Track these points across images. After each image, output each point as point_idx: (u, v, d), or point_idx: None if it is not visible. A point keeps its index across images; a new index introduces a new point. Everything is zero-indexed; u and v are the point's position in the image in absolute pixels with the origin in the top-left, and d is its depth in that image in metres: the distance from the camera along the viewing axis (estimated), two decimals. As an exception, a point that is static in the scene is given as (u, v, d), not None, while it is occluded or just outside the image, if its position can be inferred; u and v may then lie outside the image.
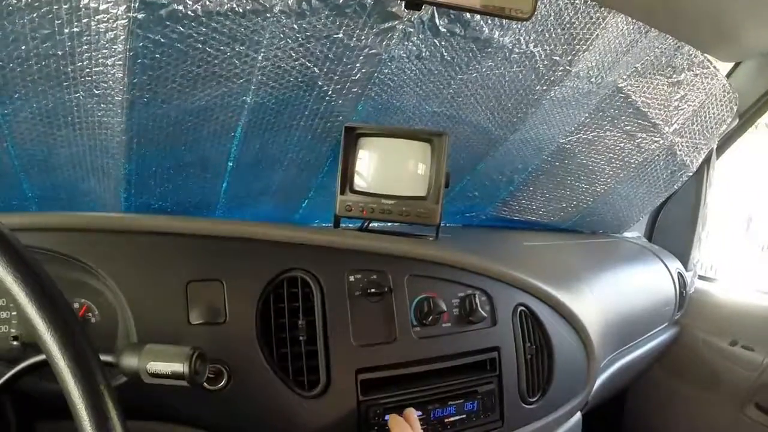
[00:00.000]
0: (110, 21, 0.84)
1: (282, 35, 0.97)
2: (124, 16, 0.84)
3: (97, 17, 0.84)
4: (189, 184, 1.22)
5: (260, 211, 1.39)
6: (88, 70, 0.92)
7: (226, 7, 0.89)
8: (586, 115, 1.48)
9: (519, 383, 1.18)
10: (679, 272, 1.96)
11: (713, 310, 2.01)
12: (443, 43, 1.11)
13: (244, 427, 0.92)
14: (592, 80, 1.35)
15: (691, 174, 1.87)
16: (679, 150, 1.72)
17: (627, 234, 2.16)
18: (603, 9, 1.20)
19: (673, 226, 2.16)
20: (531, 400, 1.20)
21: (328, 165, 1.30)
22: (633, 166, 1.71)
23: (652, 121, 1.57)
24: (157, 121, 1.03)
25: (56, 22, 0.84)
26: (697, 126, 1.69)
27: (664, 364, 2.04)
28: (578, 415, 1.39)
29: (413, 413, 0.97)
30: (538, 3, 0.94)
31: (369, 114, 1.22)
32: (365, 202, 1.20)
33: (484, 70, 1.22)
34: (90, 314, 0.86)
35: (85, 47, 0.88)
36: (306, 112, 1.15)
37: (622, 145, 1.62)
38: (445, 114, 1.30)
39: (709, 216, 2.04)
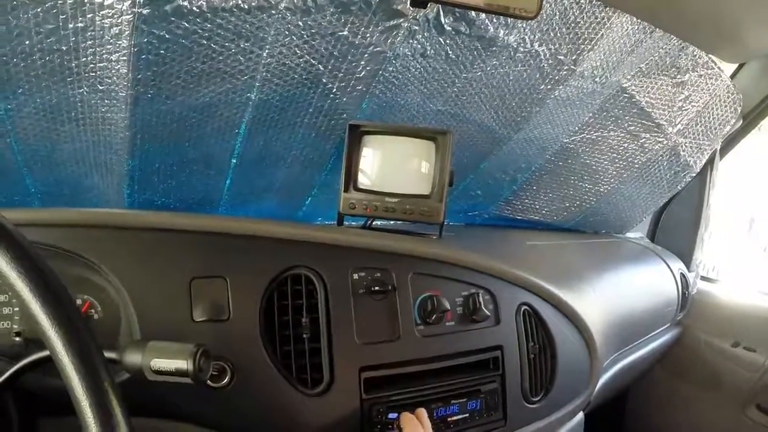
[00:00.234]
0: (115, 16, 0.84)
1: (287, 32, 0.97)
2: (129, 12, 0.83)
3: (101, 12, 0.84)
4: (192, 180, 1.22)
5: (263, 209, 1.39)
6: (92, 65, 0.91)
7: (231, 3, 0.88)
8: (590, 114, 1.48)
9: (522, 382, 1.18)
10: (681, 273, 1.95)
11: (715, 311, 2.01)
12: (448, 41, 1.11)
13: (247, 425, 0.92)
14: (596, 80, 1.35)
15: (694, 175, 1.87)
16: (683, 150, 1.72)
17: (630, 234, 2.16)
18: (608, 9, 1.19)
19: (676, 227, 2.16)
20: (534, 399, 1.20)
21: (332, 162, 1.30)
22: (636, 166, 1.70)
23: (656, 121, 1.57)
24: (161, 118, 1.03)
25: (61, 17, 0.84)
26: (700, 127, 1.68)
27: (665, 364, 2.04)
28: (581, 415, 1.38)
29: (425, 413, 0.97)
30: (544, 2, 0.93)
31: (373, 112, 1.22)
32: (369, 200, 1.20)
33: (488, 68, 1.21)
34: (93, 311, 0.87)
35: (90, 42, 0.88)
36: (310, 110, 1.15)
37: (625, 145, 1.62)
38: (449, 112, 1.30)
39: (711, 217, 2.04)
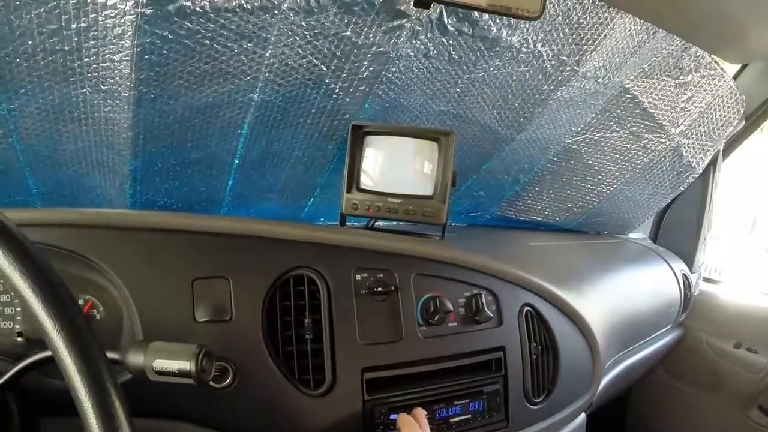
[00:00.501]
0: (118, 16, 0.84)
1: (290, 32, 0.97)
2: (132, 12, 0.83)
3: (104, 12, 0.83)
4: (195, 181, 1.21)
5: (266, 209, 1.39)
6: (95, 65, 0.91)
7: (234, 3, 0.88)
8: (593, 115, 1.48)
9: (524, 383, 1.18)
10: (683, 274, 1.95)
11: (717, 312, 2.01)
12: (451, 41, 1.11)
13: (250, 426, 0.92)
14: (599, 80, 1.34)
15: (697, 176, 1.86)
16: (686, 151, 1.71)
17: (632, 235, 2.16)
18: (611, 9, 1.19)
19: (678, 228, 2.15)
20: (536, 400, 1.20)
21: (335, 163, 1.30)
22: (639, 167, 1.70)
23: (659, 122, 1.56)
24: (163, 118, 1.03)
25: (63, 17, 0.84)
26: (703, 128, 1.68)
27: (667, 365, 2.04)
28: (582, 416, 1.38)
29: (422, 413, 0.97)
30: (547, 3, 0.93)
31: (376, 112, 1.22)
32: (371, 201, 1.19)
33: (491, 69, 1.21)
34: (95, 311, 0.87)
35: (92, 43, 0.88)
36: (313, 110, 1.14)
37: (628, 146, 1.61)
38: (451, 113, 1.30)
39: (714, 218, 2.03)
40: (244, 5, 0.89)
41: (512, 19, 1.10)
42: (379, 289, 1.03)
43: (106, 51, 0.89)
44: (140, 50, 0.88)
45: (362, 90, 1.13)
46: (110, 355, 0.67)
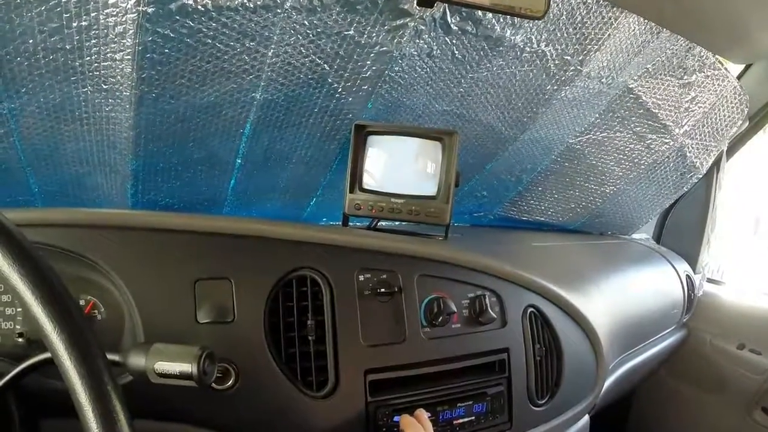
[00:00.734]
0: (119, 15, 0.83)
1: (292, 31, 0.96)
2: (134, 10, 0.82)
3: (106, 11, 0.83)
4: (197, 180, 1.21)
5: (268, 209, 1.38)
6: (96, 64, 0.91)
7: (236, 2, 0.88)
8: (597, 115, 1.47)
9: (528, 385, 1.17)
10: (687, 275, 1.94)
11: (721, 313, 2.00)
12: (454, 41, 1.10)
13: (252, 428, 0.91)
14: (602, 80, 1.34)
15: (700, 176, 1.86)
16: (689, 152, 1.71)
17: (635, 236, 2.15)
18: (615, 9, 1.18)
19: (682, 229, 2.15)
20: (540, 402, 1.19)
21: (337, 163, 1.29)
22: (643, 167, 1.69)
23: (663, 122, 1.56)
24: (165, 117, 1.02)
25: (64, 15, 0.83)
26: (707, 128, 1.68)
27: (670, 366, 2.03)
28: (586, 418, 1.37)
29: (424, 413, 0.97)
30: (551, 2, 0.92)
31: (379, 112, 1.21)
32: (374, 201, 1.19)
33: (494, 68, 1.21)
34: (96, 311, 0.86)
35: (94, 41, 0.87)
36: (315, 110, 1.14)
37: (632, 146, 1.61)
38: (455, 113, 1.29)
39: (718, 219, 2.02)
40: (247, 4, 0.89)
41: (516, 18, 1.10)
42: (383, 290, 1.02)
43: (108, 50, 0.88)
44: (142, 49, 0.88)
45: (365, 89, 1.13)
46: (111, 357, 0.67)
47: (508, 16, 1.09)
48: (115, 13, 0.83)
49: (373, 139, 1.19)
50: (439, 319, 1.05)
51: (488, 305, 1.10)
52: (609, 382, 1.46)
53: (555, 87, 1.31)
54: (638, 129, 1.56)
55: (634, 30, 1.25)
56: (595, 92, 1.38)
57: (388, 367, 1.02)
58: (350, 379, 0.97)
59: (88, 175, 1.16)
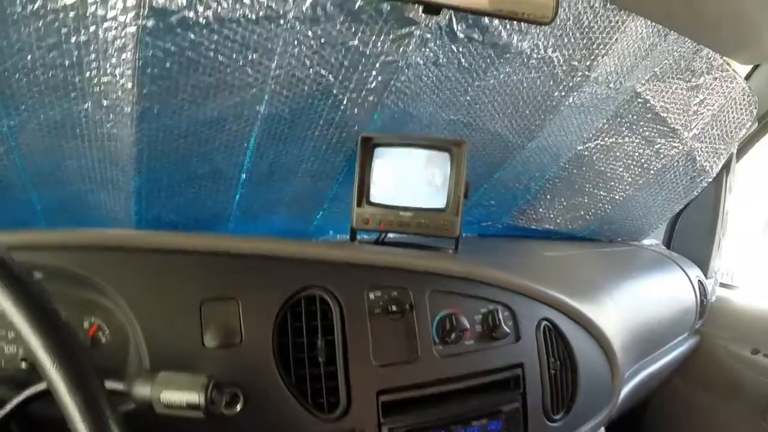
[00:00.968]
0: (118, 29, 0.82)
1: (296, 42, 0.95)
2: (133, 24, 0.81)
3: (104, 25, 0.82)
4: (201, 196, 1.20)
5: (274, 223, 1.37)
6: (96, 80, 0.89)
7: (238, 13, 0.86)
8: (604, 121, 1.46)
9: (543, 400, 1.14)
10: (699, 280, 1.91)
11: (734, 318, 1.97)
12: (461, 49, 1.09)
13: (261, 453, 0.89)
14: (610, 85, 1.32)
15: (710, 180, 1.83)
16: (699, 155, 1.69)
17: (645, 241, 2.12)
18: (622, 12, 1.17)
19: (692, 233, 2.12)
20: (555, 417, 1.16)
21: (344, 176, 1.28)
22: (652, 172, 1.67)
23: (672, 126, 1.54)
24: (167, 133, 1.01)
25: (63, 30, 0.82)
26: (716, 130, 1.65)
27: (684, 373, 1.99)
28: (602, 431, 1.35)
29: None
30: (559, 7, 0.91)
31: (385, 123, 1.19)
32: (383, 215, 1.17)
33: (501, 76, 1.19)
34: (101, 333, 0.84)
35: (93, 56, 0.86)
36: (320, 122, 1.12)
37: (640, 151, 1.59)
38: (461, 122, 1.28)
39: (729, 222, 2.00)
40: (249, 15, 0.87)
41: (523, 24, 1.08)
42: (394, 308, 1.00)
43: (107, 65, 0.87)
44: (142, 64, 0.86)
45: (371, 101, 1.11)
46: (114, 385, 0.65)
47: (515, 23, 1.07)
48: (113, 27, 0.82)
49: (380, 152, 1.17)
50: (452, 336, 1.03)
51: (501, 320, 1.08)
52: (624, 392, 1.43)
53: (563, 93, 1.29)
54: (647, 134, 1.54)
55: (641, 33, 1.24)
56: (603, 97, 1.36)
57: (401, 387, 0.99)
58: (362, 401, 0.95)
59: (91, 192, 1.14)
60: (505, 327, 1.08)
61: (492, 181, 1.52)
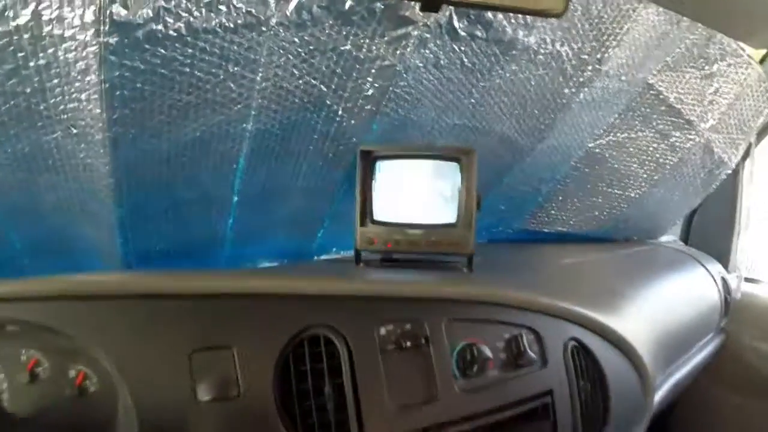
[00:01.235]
0: (78, 49, 0.75)
1: (282, 51, 0.88)
2: (94, 42, 0.74)
3: (63, 46, 0.75)
4: (191, 223, 1.13)
5: (273, 244, 1.31)
6: (62, 106, 0.83)
7: (213, 23, 0.79)
8: (616, 115, 1.40)
9: (575, 427, 1.06)
10: (722, 276, 1.85)
11: (759, 313, 1.90)
12: (463, 47, 1.02)
13: None
14: (622, 78, 1.27)
15: (729, 171, 1.78)
16: (716, 147, 1.63)
17: (662, 239, 2.07)
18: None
19: (710, 227, 2.07)
20: (588, 442, 1.08)
21: (344, 192, 1.22)
22: (668, 167, 1.62)
23: (686, 117, 1.48)
24: (147, 160, 0.94)
25: (19, 54, 0.75)
26: (733, 120, 1.60)
27: (710, 374, 1.92)
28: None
29: None
30: (570, -2, 0.85)
31: (385, 132, 1.13)
32: (388, 234, 1.11)
33: (507, 75, 1.13)
34: (88, 382, 0.77)
35: (56, 81, 0.79)
36: (315, 136, 1.06)
37: (655, 145, 1.54)
38: (467, 126, 1.22)
39: (751, 213, 1.94)
40: (226, 24, 0.80)
41: (528, 18, 1.03)
42: (408, 343, 0.91)
43: (72, 89, 0.80)
44: (109, 86, 0.79)
45: (368, 109, 1.05)
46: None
47: (520, 16, 1.02)
48: (73, 47, 0.75)
49: (381, 165, 1.12)
50: (474, 369, 0.94)
51: (526, 345, 0.99)
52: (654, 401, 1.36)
53: (573, 90, 1.23)
54: (661, 127, 1.49)
55: (653, 21, 1.18)
56: (615, 91, 1.30)
57: (421, 430, 0.90)
58: (378, 448, 0.86)
59: (73, 225, 1.07)
60: (530, 353, 0.99)
61: (501, 186, 1.46)
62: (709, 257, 1.94)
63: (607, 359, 1.13)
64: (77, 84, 0.79)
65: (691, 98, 1.44)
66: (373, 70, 0.98)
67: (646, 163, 1.58)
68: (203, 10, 0.78)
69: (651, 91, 1.37)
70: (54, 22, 0.72)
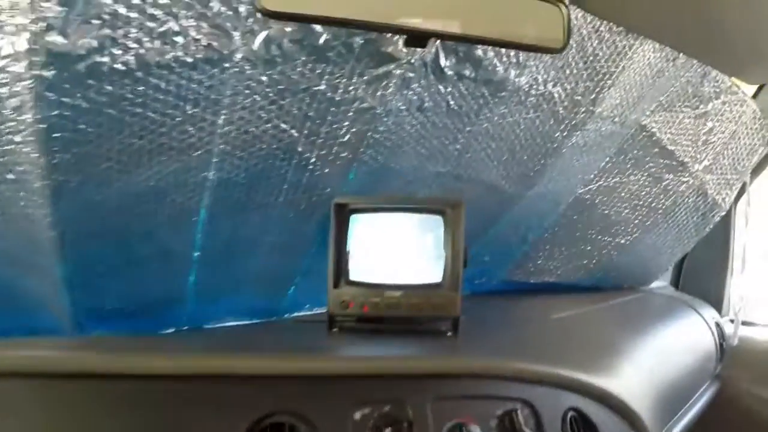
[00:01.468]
0: (11, 83, 0.67)
1: (247, 91, 0.81)
2: (28, 75, 0.66)
3: (-6, 78, 0.67)
4: (148, 280, 1.04)
5: (239, 302, 1.22)
6: (-4, 148, 0.74)
7: (168, 56, 0.72)
8: (607, 159, 1.36)
9: (577, 507, 0.97)
10: (716, 321, 1.82)
11: (754, 356, 1.86)
12: (449, 88, 0.97)
13: None
14: (615, 120, 1.23)
15: (723, 214, 1.74)
16: (710, 189, 1.60)
17: (653, 285, 2.03)
18: (630, 36, 1.08)
19: (702, 270, 2.05)
20: None
21: (316, 247, 1.14)
22: (660, 212, 1.57)
23: (680, 159, 1.45)
24: (94, 211, 0.86)
25: (-58, 91, 0.67)
26: (727, 159, 1.57)
27: (707, 425, 1.85)
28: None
29: None
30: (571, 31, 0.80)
31: (362, 182, 1.07)
32: (365, 295, 1.03)
33: (496, 118, 1.08)
34: None
35: (-13, 119, 0.71)
36: (285, 186, 0.99)
37: (647, 189, 1.50)
38: (451, 174, 1.16)
39: (747, 253, 1.90)
40: (183, 58, 0.73)
41: (521, 56, 0.98)
42: (388, 429, 0.81)
43: (5, 129, 0.72)
44: (46, 127, 0.71)
45: (344, 157, 0.99)
46: None
47: (512, 54, 0.96)
48: (5, 80, 0.67)
49: (358, 218, 1.05)
50: (464, 453, 0.84)
51: (522, 422, 0.89)
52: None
53: (564, 133, 1.19)
54: (654, 170, 1.45)
55: (648, 59, 1.15)
56: (607, 134, 1.26)
57: None
58: None
59: (20, 278, 0.98)
60: (527, 430, 0.89)
61: (487, 237, 1.40)
62: (703, 302, 1.92)
63: (607, 425, 1.05)
64: (11, 123, 0.71)
65: (684, 139, 1.42)
66: (350, 113, 0.91)
67: (638, 208, 1.54)
68: (157, 42, 0.71)
69: (644, 133, 1.33)
70: (-19, 50, 0.65)
